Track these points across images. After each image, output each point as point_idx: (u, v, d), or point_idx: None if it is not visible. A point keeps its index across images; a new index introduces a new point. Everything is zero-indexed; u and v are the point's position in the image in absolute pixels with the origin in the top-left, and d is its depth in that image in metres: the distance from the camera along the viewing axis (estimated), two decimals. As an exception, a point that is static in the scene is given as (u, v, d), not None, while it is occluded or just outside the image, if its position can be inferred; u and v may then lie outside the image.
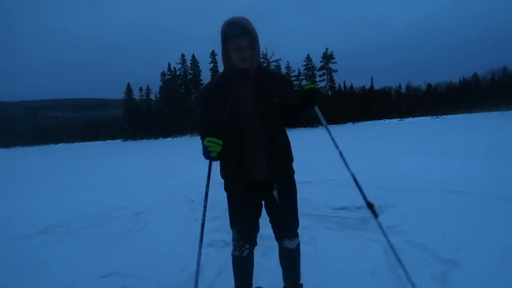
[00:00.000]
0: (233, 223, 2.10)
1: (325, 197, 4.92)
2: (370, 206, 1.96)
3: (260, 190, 2.00)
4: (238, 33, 1.77)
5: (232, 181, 2.03)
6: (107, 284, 2.71)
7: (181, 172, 9.95)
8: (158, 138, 70.16)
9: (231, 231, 2.13)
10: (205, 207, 1.93)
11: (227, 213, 2.11)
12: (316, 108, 1.93)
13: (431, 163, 7.58)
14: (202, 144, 1.84)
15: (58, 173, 12.78)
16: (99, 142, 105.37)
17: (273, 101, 1.89)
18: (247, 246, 2.09)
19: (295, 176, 2.08)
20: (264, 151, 1.92)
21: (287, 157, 2.03)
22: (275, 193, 1.98)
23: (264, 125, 1.89)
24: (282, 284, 2.26)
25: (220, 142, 1.79)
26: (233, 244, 2.12)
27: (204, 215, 1.94)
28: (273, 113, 1.90)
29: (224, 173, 2.06)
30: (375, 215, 1.97)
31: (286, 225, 2.10)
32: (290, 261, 2.18)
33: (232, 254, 2.13)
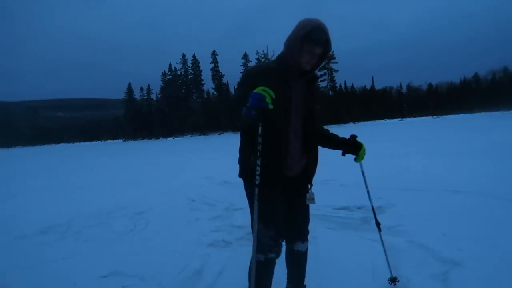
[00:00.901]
0: (269, 222, 1.89)
1: (326, 197, 4.91)
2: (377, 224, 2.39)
3: (288, 186, 1.99)
4: (318, 42, 1.82)
5: (270, 173, 1.87)
6: (108, 284, 2.71)
7: (182, 172, 9.96)
8: (159, 138, 70.15)
9: (257, 235, 1.85)
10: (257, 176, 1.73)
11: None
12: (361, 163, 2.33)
13: (432, 163, 7.58)
14: (250, 97, 1.62)
15: (59, 173, 12.79)
16: (99, 142, 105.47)
17: (316, 107, 2.01)
18: (282, 245, 1.99)
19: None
20: (301, 148, 1.95)
21: (317, 163, 2.10)
22: (309, 195, 2.02)
23: (305, 124, 1.95)
24: (285, 285, 2.26)
25: (273, 94, 1.62)
26: (266, 246, 1.90)
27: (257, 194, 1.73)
28: (314, 116, 1.98)
29: (263, 158, 1.84)
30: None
31: (302, 228, 2.11)
32: (298, 264, 2.17)
33: (265, 258, 1.91)
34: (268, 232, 1.90)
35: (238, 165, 2.03)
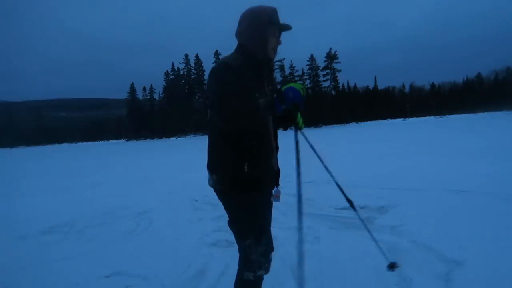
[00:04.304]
0: (261, 235, 1.69)
1: (329, 197, 4.89)
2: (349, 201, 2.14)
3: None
4: (279, 23, 1.75)
5: (268, 174, 1.75)
6: (110, 284, 2.72)
7: (184, 172, 9.96)
8: (162, 138, 70.28)
9: (247, 250, 1.71)
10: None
11: None
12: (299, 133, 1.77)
13: (435, 163, 7.55)
14: (290, 90, 1.50)
15: (61, 173, 12.84)
16: (102, 142, 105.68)
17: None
18: (271, 260, 1.80)
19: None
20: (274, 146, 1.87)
21: None
22: (276, 191, 1.84)
23: (273, 119, 1.85)
24: None
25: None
26: (256, 263, 1.69)
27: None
28: None
29: (257, 165, 1.68)
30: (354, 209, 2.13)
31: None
32: None
33: (254, 276, 1.69)
34: (260, 248, 1.69)
35: (213, 175, 1.78)
